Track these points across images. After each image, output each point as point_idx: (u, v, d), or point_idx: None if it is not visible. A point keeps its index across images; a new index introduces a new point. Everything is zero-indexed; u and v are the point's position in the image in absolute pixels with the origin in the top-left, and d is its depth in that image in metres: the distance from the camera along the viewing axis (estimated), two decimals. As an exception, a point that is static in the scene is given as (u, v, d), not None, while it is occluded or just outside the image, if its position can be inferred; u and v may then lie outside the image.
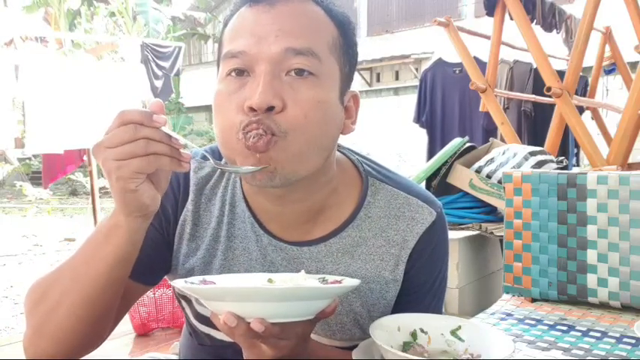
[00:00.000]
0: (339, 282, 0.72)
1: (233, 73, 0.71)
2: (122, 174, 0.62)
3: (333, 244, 0.81)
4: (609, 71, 5.33)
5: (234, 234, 0.82)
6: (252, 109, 0.67)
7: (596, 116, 4.74)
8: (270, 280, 0.71)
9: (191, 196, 0.83)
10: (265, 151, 0.68)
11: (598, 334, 1.36)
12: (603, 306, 1.52)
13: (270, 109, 0.68)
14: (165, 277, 0.88)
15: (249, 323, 0.60)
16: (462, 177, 2.32)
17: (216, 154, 0.85)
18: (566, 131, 3.60)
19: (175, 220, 0.83)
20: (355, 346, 0.74)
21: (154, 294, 2.05)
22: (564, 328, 1.41)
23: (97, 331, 0.75)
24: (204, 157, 0.85)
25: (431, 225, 0.82)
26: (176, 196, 0.83)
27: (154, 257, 0.81)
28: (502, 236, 1.72)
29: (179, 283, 0.67)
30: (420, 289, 0.84)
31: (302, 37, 0.70)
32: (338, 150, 0.86)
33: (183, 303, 0.88)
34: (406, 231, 0.82)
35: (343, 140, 0.84)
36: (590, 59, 3.86)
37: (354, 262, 0.81)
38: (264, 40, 0.69)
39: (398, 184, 0.85)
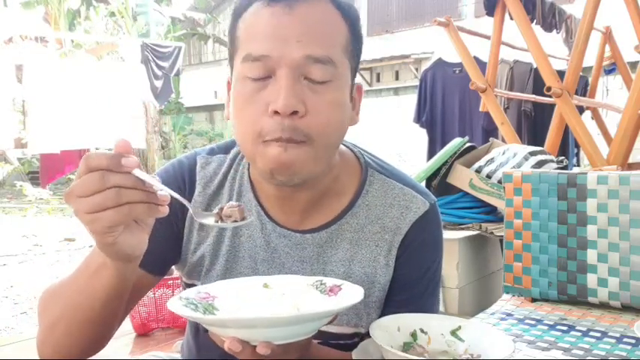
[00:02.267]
0: (339, 287, 0.72)
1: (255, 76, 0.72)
2: (96, 228, 0.58)
3: (334, 231, 0.84)
4: (609, 71, 5.33)
5: None
6: (276, 113, 0.69)
7: (596, 116, 4.74)
8: (265, 285, 0.71)
9: (198, 189, 0.86)
10: (298, 144, 0.71)
11: (598, 334, 1.36)
12: (603, 306, 1.52)
13: (294, 113, 0.70)
14: (174, 267, 0.90)
15: (254, 347, 0.60)
16: (462, 177, 2.32)
17: (222, 150, 0.89)
18: (566, 131, 3.60)
19: (183, 213, 0.85)
20: (353, 343, 0.74)
21: (154, 294, 2.05)
22: (564, 328, 1.41)
23: (95, 343, 0.77)
24: (211, 151, 0.89)
25: (423, 214, 0.85)
26: (182, 191, 0.85)
27: (164, 248, 0.84)
28: (502, 236, 1.72)
29: (176, 305, 0.66)
30: (410, 276, 0.85)
31: (321, 44, 0.72)
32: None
33: None
34: (399, 218, 0.84)
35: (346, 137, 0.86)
36: (590, 59, 3.85)
37: (352, 247, 0.84)
38: (286, 43, 0.70)
39: (395, 175, 0.89)
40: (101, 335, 0.77)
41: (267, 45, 0.70)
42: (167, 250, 0.85)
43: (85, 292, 0.70)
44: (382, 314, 0.83)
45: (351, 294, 0.68)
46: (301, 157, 0.71)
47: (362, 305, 0.83)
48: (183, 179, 0.86)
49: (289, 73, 0.70)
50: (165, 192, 0.61)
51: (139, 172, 0.58)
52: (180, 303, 0.67)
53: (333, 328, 0.83)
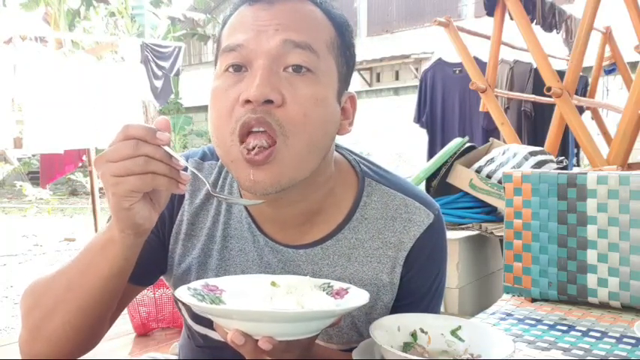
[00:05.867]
0: (346, 290, 0.71)
1: (231, 69, 0.70)
2: (117, 191, 0.62)
3: (330, 247, 0.80)
4: (609, 71, 5.33)
5: (230, 234, 0.82)
6: (248, 102, 0.67)
7: (596, 116, 4.74)
8: (273, 284, 0.70)
9: (187, 196, 0.83)
10: (264, 164, 0.68)
11: (598, 334, 1.36)
12: (603, 306, 1.52)
13: (269, 102, 0.67)
14: (162, 277, 0.87)
15: (256, 341, 0.60)
16: (462, 177, 2.32)
17: (214, 155, 0.84)
18: (566, 131, 3.60)
19: (171, 220, 0.83)
20: (353, 349, 0.74)
21: (154, 294, 2.05)
22: (564, 328, 1.41)
23: (90, 336, 0.76)
24: (203, 156, 0.85)
25: (428, 227, 0.81)
26: (172, 197, 0.82)
27: (149, 259, 0.81)
28: (502, 236, 1.72)
29: (183, 294, 0.66)
30: (416, 292, 0.83)
31: (301, 31, 0.70)
32: (336, 150, 0.85)
33: (180, 304, 0.88)
34: (402, 233, 0.80)
35: (344, 140, 0.83)
36: (590, 59, 3.86)
37: (351, 264, 0.80)
38: (263, 33, 0.69)
39: (395, 184, 0.84)
40: (96, 326, 0.75)
41: (244, 36, 0.70)
42: (153, 260, 0.82)
43: (87, 271, 0.70)
44: None
45: (357, 298, 0.68)
46: (278, 161, 0.68)
47: (364, 323, 0.80)
48: None
49: (266, 63, 0.68)
50: (188, 174, 0.66)
51: (168, 149, 0.63)
52: (187, 292, 0.67)
53: (334, 346, 0.82)
